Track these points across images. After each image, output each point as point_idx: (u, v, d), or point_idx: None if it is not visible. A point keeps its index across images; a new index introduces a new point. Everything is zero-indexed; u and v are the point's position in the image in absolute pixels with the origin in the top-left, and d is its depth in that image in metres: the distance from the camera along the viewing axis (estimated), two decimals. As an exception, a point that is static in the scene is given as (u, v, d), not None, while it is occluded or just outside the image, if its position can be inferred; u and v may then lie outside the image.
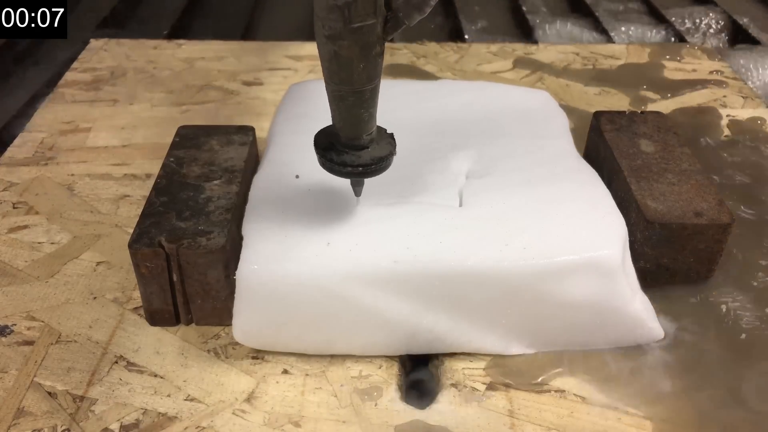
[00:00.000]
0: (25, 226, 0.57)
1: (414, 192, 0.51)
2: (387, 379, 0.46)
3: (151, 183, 0.52)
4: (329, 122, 0.60)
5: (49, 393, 0.44)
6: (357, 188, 0.47)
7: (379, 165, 0.44)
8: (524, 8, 1.03)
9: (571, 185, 0.51)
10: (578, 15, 1.04)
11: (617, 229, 0.48)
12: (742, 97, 0.78)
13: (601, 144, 0.59)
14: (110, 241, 0.56)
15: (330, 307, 0.45)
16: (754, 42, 0.95)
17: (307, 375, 0.46)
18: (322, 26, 0.39)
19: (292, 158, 0.54)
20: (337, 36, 0.38)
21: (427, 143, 0.56)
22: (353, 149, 0.44)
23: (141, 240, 0.46)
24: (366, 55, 0.39)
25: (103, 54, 0.84)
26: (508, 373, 0.46)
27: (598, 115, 0.62)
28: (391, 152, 0.45)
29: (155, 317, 0.49)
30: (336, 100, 0.42)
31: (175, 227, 0.47)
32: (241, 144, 0.56)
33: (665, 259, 0.51)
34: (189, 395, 0.44)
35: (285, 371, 0.46)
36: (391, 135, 0.46)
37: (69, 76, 0.79)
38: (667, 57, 0.86)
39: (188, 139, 0.57)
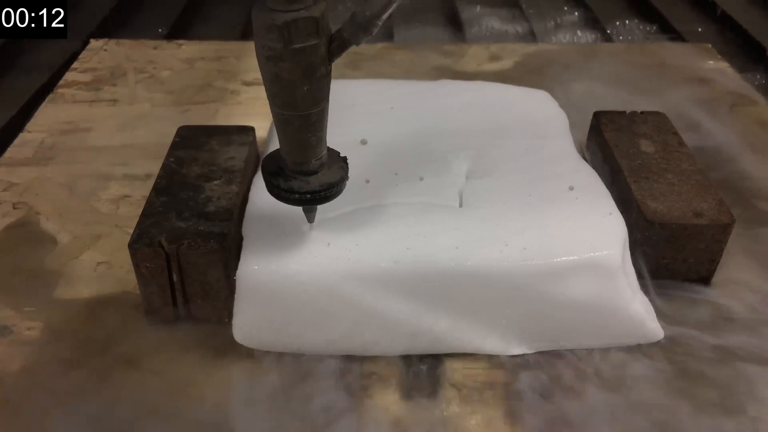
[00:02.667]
0: (26, 226, 0.57)
1: (414, 192, 0.51)
2: (387, 378, 0.46)
3: (151, 183, 0.52)
4: (329, 122, 0.59)
5: (50, 392, 0.44)
6: (309, 214, 0.45)
7: (328, 192, 0.42)
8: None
9: (571, 185, 0.51)
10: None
11: (617, 229, 0.48)
12: (743, 96, 0.78)
13: (601, 144, 0.59)
14: (110, 241, 0.56)
15: (330, 307, 0.45)
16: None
17: (306, 375, 0.46)
18: (262, 47, 0.37)
19: (292, 158, 0.54)
20: (277, 57, 0.37)
21: (427, 143, 0.56)
22: (302, 175, 0.42)
23: (141, 240, 0.46)
24: (309, 77, 0.38)
25: (103, 54, 0.84)
26: (508, 373, 0.46)
27: (598, 115, 0.62)
28: (343, 177, 0.43)
29: (155, 317, 0.49)
30: (281, 123, 0.40)
31: (175, 227, 0.47)
32: (241, 144, 0.56)
33: (665, 259, 0.51)
34: (189, 394, 0.44)
35: (285, 371, 0.46)
36: (344, 159, 0.44)
37: (69, 76, 0.79)
38: (668, 56, 0.86)
39: (188, 139, 0.57)
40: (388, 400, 0.44)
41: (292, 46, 0.36)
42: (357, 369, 0.46)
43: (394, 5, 0.37)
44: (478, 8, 1.05)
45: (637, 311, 0.47)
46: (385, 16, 0.37)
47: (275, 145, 0.55)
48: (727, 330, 0.50)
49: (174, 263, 0.46)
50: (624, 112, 0.62)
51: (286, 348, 0.47)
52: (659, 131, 0.60)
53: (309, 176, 0.42)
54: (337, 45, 0.38)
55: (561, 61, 0.85)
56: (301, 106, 0.39)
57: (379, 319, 0.45)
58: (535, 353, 0.47)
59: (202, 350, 0.47)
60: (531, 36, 0.96)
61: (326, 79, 0.39)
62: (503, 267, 0.45)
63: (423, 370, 0.47)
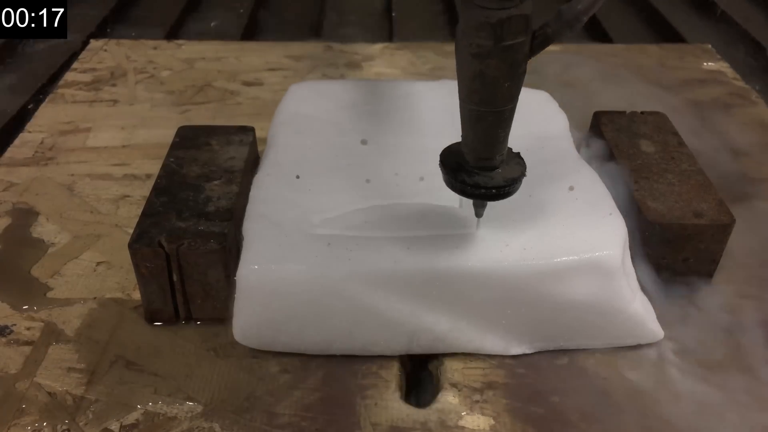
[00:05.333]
0: (26, 226, 0.57)
1: (414, 192, 0.51)
2: (387, 378, 0.46)
3: (151, 183, 0.52)
4: (330, 123, 0.60)
5: (49, 393, 0.44)
6: (480, 209, 0.45)
7: (511, 187, 0.42)
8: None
9: (571, 185, 0.51)
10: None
11: (617, 229, 0.48)
12: (743, 97, 0.78)
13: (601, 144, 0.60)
14: (110, 241, 0.56)
15: (330, 307, 0.45)
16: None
17: (307, 375, 0.46)
18: (469, 44, 0.37)
19: (292, 158, 0.54)
20: (485, 55, 0.36)
21: (427, 143, 0.56)
22: (483, 170, 0.42)
23: (141, 240, 0.46)
24: (513, 74, 0.38)
25: (103, 54, 0.84)
26: (508, 373, 0.46)
27: (598, 115, 0.62)
28: (522, 173, 0.43)
29: (155, 317, 0.49)
30: (473, 120, 0.40)
31: (175, 227, 0.47)
32: (241, 144, 0.56)
33: (665, 259, 0.51)
34: (188, 395, 0.44)
35: (285, 371, 0.46)
36: (518, 154, 0.44)
37: (69, 76, 0.79)
38: (667, 57, 0.86)
39: (188, 139, 0.57)
40: (387, 400, 0.44)
41: (503, 43, 0.36)
42: (357, 369, 0.46)
43: (603, 0, 0.37)
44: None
45: (637, 311, 0.47)
46: (592, 11, 0.37)
47: (277, 144, 0.56)
48: (728, 330, 0.50)
49: (174, 263, 0.46)
50: (624, 112, 0.62)
51: (286, 348, 0.47)
52: (659, 131, 0.60)
53: (491, 171, 0.42)
54: (539, 42, 0.38)
55: (561, 61, 0.84)
56: (499, 102, 0.39)
57: (379, 319, 0.45)
58: (535, 353, 0.48)
59: (202, 350, 0.47)
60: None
61: (524, 75, 0.39)
62: (503, 267, 0.45)
63: (423, 370, 0.47)
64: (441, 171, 0.43)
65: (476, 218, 0.46)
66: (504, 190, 0.42)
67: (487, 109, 0.39)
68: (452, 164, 0.43)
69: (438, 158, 0.54)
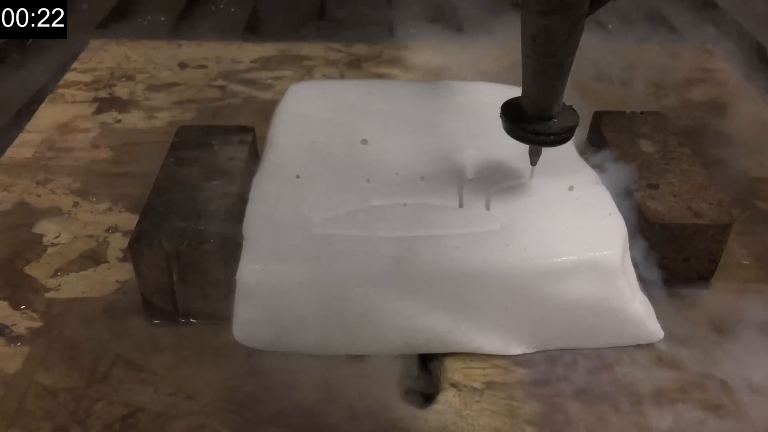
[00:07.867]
0: (25, 226, 0.57)
1: (414, 192, 0.51)
2: (387, 378, 0.46)
3: (151, 183, 0.52)
4: (330, 123, 0.60)
5: (49, 392, 0.44)
6: (534, 157, 0.49)
7: (568, 134, 0.46)
8: None
9: (571, 185, 0.51)
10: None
11: (617, 229, 0.48)
12: (743, 96, 0.78)
13: (601, 144, 0.59)
14: (110, 240, 0.56)
15: (330, 306, 0.45)
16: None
17: (306, 375, 0.46)
18: (537, 2, 0.40)
19: (292, 158, 0.54)
20: (550, 11, 0.40)
21: (427, 143, 0.56)
22: (542, 120, 0.45)
23: (141, 240, 0.46)
24: (573, 29, 0.41)
25: (103, 54, 0.84)
26: (508, 373, 0.46)
27: (598, 115, 0.62)
28: (576, 123, 0.46)
29: (155, 316, 0.49)
30: (536, 72, 0.44)
31: (175, 227, 0.47)
32: (241, 144, 0.56)
33: (665, 259, 0.51)
34: (189, 394, 0.44)
35: (285, 371, 0.46)
36: (571, 107, 0.47)
37: (69, 76, 0.79)
38: (667, 57, 0.86)
39: (188, 139, 0.57)
40: (387, 400, 0.44)
41: (567, 0, 0.40)
42: (357, 369, 0.46)
43: None
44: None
45: (637, 311, 0.47)
46: None
47: (277, 144, 0.56)
48: (727, 330, 0.50)
49: (174, 263, 0.46)
50: (624, 112, 0.62)
51: (286, 347, 0.47)
52: (659, 131, 0.60)
53: (548, 121, 0.46)
54: (598, 0, 0.42)
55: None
56: (560, 55, 0.42)
57: (379, 319, 0.45)
58: (535, 353, 0.48)
59: (202, 350, 0.47)
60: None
61: (582, 31, 0.42)
62: (503, 267, 0.45)
63: (423, 370, 0.47)
64: (502, 121, 0.47)
65: (531, 167, 0.49)
66: (561, 136, 0.46)
67: (551, 61, 0.43)
68: (512, 115, 0.46)
69: (436, 157, 0.54)
